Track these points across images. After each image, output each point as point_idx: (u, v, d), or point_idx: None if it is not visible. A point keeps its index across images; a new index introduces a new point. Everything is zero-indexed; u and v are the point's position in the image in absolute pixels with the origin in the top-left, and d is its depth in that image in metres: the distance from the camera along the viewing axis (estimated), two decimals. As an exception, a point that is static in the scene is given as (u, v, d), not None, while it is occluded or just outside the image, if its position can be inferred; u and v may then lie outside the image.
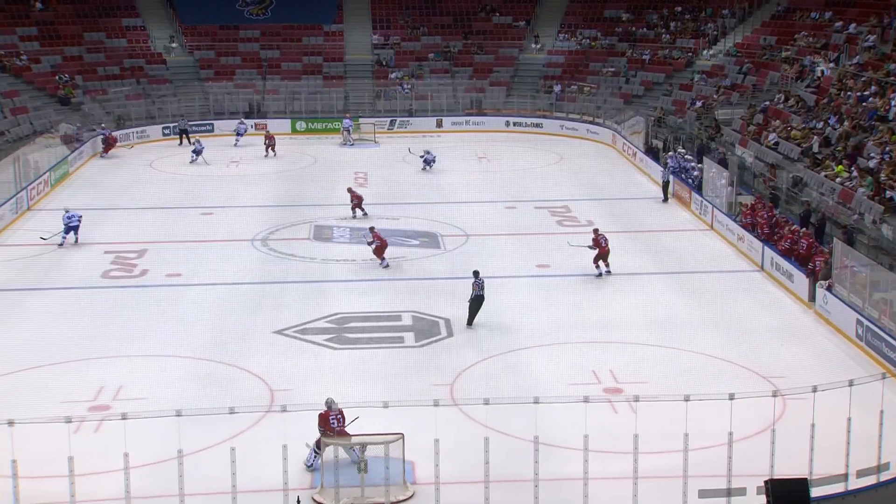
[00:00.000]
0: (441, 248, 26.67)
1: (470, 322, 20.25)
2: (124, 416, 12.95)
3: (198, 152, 36.94)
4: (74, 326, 20.66)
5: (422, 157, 35.65)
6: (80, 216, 26.58)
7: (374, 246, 24.40)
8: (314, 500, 13.68)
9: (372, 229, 24.82)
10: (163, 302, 22.19)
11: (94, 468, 13.87)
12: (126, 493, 12.51)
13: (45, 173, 33.06)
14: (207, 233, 27.59)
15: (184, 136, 40.92)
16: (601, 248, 23.67)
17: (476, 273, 20.41)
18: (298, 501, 12.24)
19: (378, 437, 13.63)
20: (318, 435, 14.50)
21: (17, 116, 39.04)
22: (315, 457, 14.45)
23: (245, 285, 23.42)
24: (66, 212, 26.58)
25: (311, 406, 14.73)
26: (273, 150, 38.13)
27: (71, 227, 26.29)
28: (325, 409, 14.68)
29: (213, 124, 43.86)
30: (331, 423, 14.48)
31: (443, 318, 21.05)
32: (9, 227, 28.45)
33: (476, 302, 20.24)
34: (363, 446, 13.54)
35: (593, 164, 38.15)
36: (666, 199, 31.70)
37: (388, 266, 24.24)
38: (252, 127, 41.49)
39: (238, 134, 40.53)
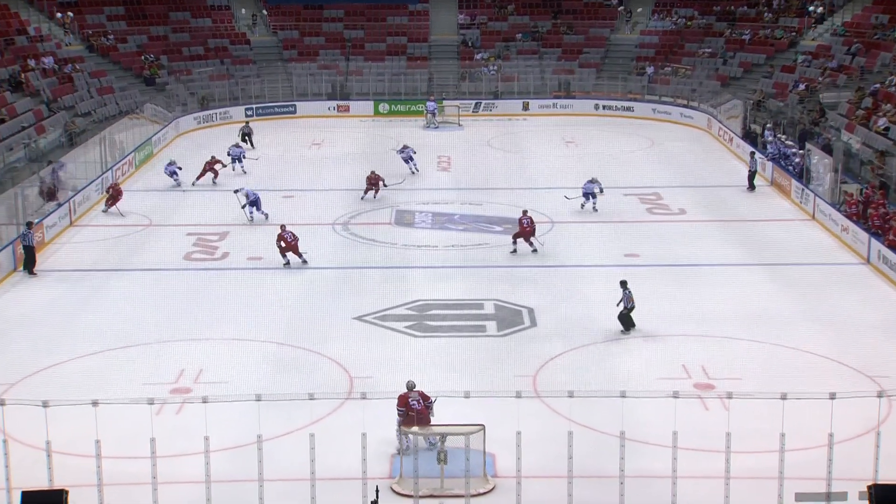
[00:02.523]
0: (526, 235, 26.68)
1: (628, 328, 19.39)
2: (205, 400, 13.27)
3: (173, 173, 31.78)
4: (157, 308, 21.21)
5: (584, 193, 28.30)
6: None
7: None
8: (393, 490, 13.81)
9: (283, 227, 23.89)
10: (243, 285, 22.62)
11: (176, 450, 14.24)
12: (206, 477, 12.82)
13: (129, 154, 34.02)
14: (289, 216, 28.00)
15: (248, 139, 36.82)
16: (522, 228, 24.44)
17: (624, 283, 19.44)
18: (377, 491, 12.36)
19: (458, 428, 13.67)
20: (397, 419, 14.69)
21: (104, 97, 40.23)
22: (405, 439, 14.42)
23: (326, 270, 23.71)
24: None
25: (390, 394, 14.91)
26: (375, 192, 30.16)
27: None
28: (406, 390, 14.80)
29: (295, 105, 44.50)
30: (410, 404, 14.59)
31: (526, 308, 20.98)
32: (95, 208, 29.34)
33: (627, 313, 19.33)
34: (443, 437, 13.62)
35: (687, 150, 37.50)
36: (751, 188, 30.83)
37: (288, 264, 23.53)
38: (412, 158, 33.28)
39: (408, 160, 33.19)
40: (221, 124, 42.18)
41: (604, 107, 44.68)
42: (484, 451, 13.81)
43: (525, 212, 24.91)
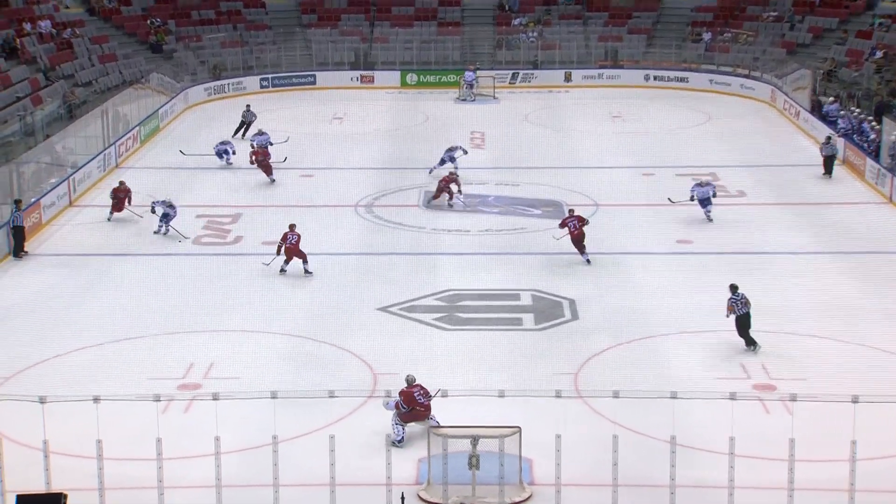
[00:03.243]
0: (568, 219, 26.68)
1: (753, 343, 18.37)
2: (216, 397, 13.42)
3: (224, 153, 31.19)
4: (164, 297, 21.40)
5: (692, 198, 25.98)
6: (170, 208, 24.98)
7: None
8: (420, 498, 13.80)
9: (292, 227, 22.58)
10: (258, 273, 22.73)
11: (183, 451, 14.36)
12: (217, 480, 12.95)
13: (134, 127, 34.27)
14: (307, 197, 28.13)
15: (246, 128, 34.74)
16: (570, 233, 22.85)
17: (734, 288, 18.50)
18: (403, 498, 12.43)
19: (492, 430, 13.65)
20: (395, 411, 15.06)
21: (106, 65, 40.52)
22: (402, 430, 14.93)
23: (347, 256, 23.82)
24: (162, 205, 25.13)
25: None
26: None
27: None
28: (406, 385, 15.16)
29: (315, 76, 44.61)
30: (416, 398, 14.97)
31: (567, 299, 20.99)
32: (96, 186, 29.49)
33: (743, 320, 18.35)
34: (475, 439, 13.55)
35: (748, 125, 37.20)
36: (828, 174, 30.34)
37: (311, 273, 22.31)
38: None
39: (446, 160, 30.08)
40: (234, 96, 42.36)
41: (655, 77, 44.39)
42: (520, 456, 13.74)
43: (571, 212, 23.72)
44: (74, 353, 18.70)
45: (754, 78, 42.38)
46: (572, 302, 20.85)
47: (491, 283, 22.07)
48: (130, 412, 14.25)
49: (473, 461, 13.56)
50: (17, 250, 23.62)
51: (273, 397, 13.34)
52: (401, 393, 15.02)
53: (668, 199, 26.70)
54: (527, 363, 18.13)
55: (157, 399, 13.59)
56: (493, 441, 13.39)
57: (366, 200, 28.14)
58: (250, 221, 26.41)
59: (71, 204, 27.91)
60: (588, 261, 22.84)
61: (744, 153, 33.06)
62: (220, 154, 31.24)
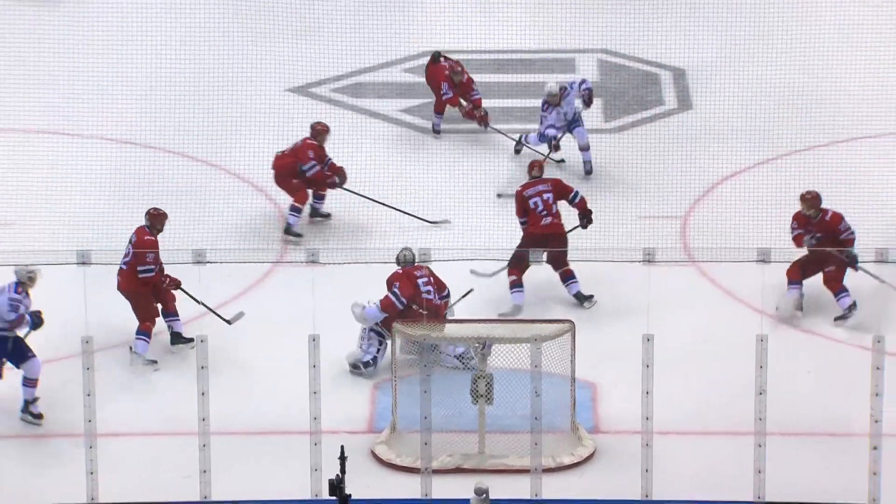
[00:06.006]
0: None
1: None
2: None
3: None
4: None
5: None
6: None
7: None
8: (375, 455, 13.94)
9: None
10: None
11: None
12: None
13: None
14: None
15: None
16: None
17: None
18: (343, 460, 11.98)
19: (518, 327, 13.87)
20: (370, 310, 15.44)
21: None
22: (378, 350, 15.35)
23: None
24: None
25: (380, 253, 15.78)
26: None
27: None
28: (399, 267, 15.49)
29: None
30: (422, 290, 15.36)
31: (670, 69, 22.18)
32: None
33: None
34: (484, 346, 13.62)
35: None
36: None
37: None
38: None
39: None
40: None
41: None
42: (572, 379, 13.77)
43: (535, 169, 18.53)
44: None
45: None
46: (680, 73, 21.74)
47: (518, 39, 22.62)
48: None
49: (481, 387, 13.46)
50: None
51: (82, 262, 13.21)
52: (396, 276, 15.28)
53: None
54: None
55: None
56: (520, 349, 13.21)
57: None
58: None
59: None
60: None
61: None
62: None
